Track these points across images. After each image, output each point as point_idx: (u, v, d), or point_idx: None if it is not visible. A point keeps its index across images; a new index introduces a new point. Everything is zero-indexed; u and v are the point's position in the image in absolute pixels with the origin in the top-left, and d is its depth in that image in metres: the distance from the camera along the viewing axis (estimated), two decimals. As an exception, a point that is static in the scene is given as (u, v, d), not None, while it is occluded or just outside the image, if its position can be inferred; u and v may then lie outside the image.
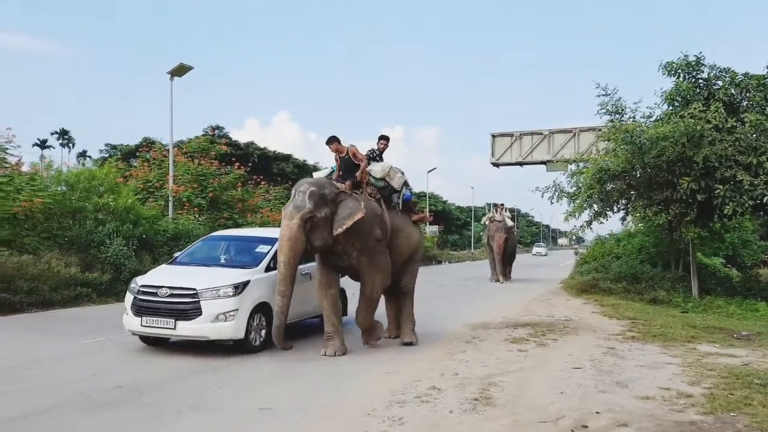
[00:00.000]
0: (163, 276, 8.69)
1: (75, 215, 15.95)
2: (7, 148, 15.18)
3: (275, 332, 8.07)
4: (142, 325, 8.14)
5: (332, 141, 8.95)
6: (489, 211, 27.36)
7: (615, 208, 16.80)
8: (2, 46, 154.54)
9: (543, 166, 31.73)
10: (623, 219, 17.77)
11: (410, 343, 9.29)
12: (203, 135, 26.94)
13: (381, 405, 6.02)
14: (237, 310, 8.03)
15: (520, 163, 32.08)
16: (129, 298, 8.44)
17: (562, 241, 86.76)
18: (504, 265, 24.63)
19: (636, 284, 17.61)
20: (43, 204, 14.45)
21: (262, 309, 8.44)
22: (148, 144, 31.84)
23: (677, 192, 14.83)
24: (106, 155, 49.36)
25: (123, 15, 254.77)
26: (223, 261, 9.39)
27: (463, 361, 8.19)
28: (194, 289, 8.02)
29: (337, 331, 8.48)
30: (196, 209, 20.49)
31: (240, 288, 8.15)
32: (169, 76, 19.11)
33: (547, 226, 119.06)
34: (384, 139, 9.54)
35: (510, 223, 25.81)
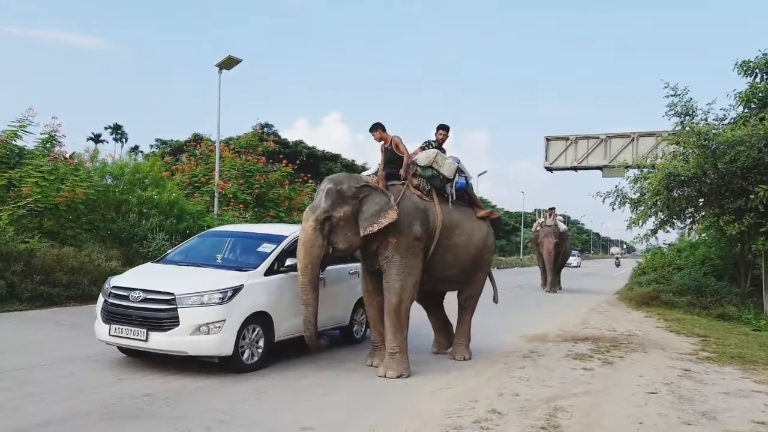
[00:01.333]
0: (140, 276, 7.51)
1: (119, 208, 15.68)
2: (53, 138, 14.96)
3: (308, 341, 7.29)
4: (110, 334, 6.89)
5: (376, 128, 8.15)
6: (539, 216, 25.91)
7: (682, 217, 15.69)
8: (58, 43, 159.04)
9: (598, 172, 30.69)
10: (689, 228, 16.61)
11: (463, 359, 8.52)
12: (252, 132, 26.53)
13: (436, 429, 5.31)
14: (224, 321, 6.71)
15: (575, 168, 30.94)
16: (100, 300, 7.26)
17: (614, 249, 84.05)
18: (555, 273, 23.21)
19: (701, 298, 16.44)
20: (86, 195, 14.15)
21: (258, 320, 7.15)
22: (197, 140, 31.79)
23: (752, 201, 13.69)
24: (156, 150, 49.90)
25: (178, 12, 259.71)
26: (219, 261, 8.14)
27: (523, 379, 7.41)
28: (171, 294, 6.72)
29: (381, 343, 7.74)
30: (241, 205, 20.07)
31: (229, 294, 6.85)
32: (218, 68, 18.74)
33: (597, 235, 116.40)
34: (443, 129, 8.58)
35: (562, 227, 24.42)
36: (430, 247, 7.79)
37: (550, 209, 25.41)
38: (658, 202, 14.61)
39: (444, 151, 8.32)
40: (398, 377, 7.22)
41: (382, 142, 8.17)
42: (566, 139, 31.10)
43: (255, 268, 7.45)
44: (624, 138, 30.07)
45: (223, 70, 18.99)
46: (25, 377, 6.48)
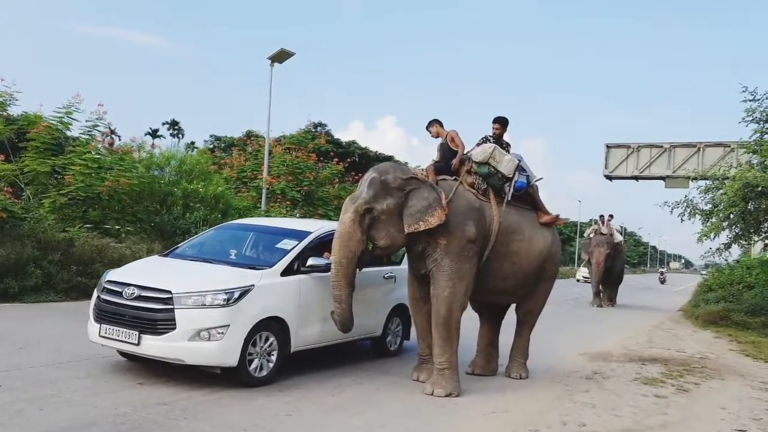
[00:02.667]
0: (138, 270, 6.70)
1: (164, 200, 15.31)
2: (97, 125, 14.65)
3: (338, 317, 6.54)
4: (100, 335, 6.07)
5: (433, 123, 7.40)
6: (594, 224, 23.90)
7: (759, 231, 14.45)
8: (119, 40, 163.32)
9: (660, 183, 29.30)
10: (766, 244, 15.31)
11: (519, 378, 7.68)
12: (303, 128, 26.05)
13: (489, 465, 4.53)
14: (228, 326, 5.83)
15: (636, 177, 29.58)
16: (93, 296, 6.50)
17: (674, 264, 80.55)
18: (609, 287, 21.48)
19: (775, 320, 15.14)
20: (130, 186, 13.79)
21: (271, 327, 6.27)
22: (250, 136, 31.55)
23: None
24: (211, 146, 50.15)
25: (236, 10, 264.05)
26: (233, 257, 7.13)
27: (588, 405, 6.53)
28: (168, 292, 5.85)
29: (430, 355, 6.98)
30: (289, 202, 19.53)
31: (236, 295, 5.95)
32: (269, 61, 18.26)
33: (654, 248, 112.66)
34: (499, 122, 7.62)
35: (618, 237, 22.17)
36: (485, 252, 6.97)
37: (603, 216, 22.86)
38: (732, 215, 13.42)
39: (505, 147, 7.47)
40: (447, 396, 6.43)
41: (438, 138, 7.44)
42: (628, 147, 29.79)
43: (271, 266, 6.57)
44: (689, 148, 28.61)
45: (275, 64, 18.52)
46: (38, 376, 5.93)
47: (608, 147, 29.90)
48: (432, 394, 6.46)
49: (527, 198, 7.55)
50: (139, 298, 5.94)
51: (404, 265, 8.17)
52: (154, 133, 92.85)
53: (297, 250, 6.80)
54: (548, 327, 7.94)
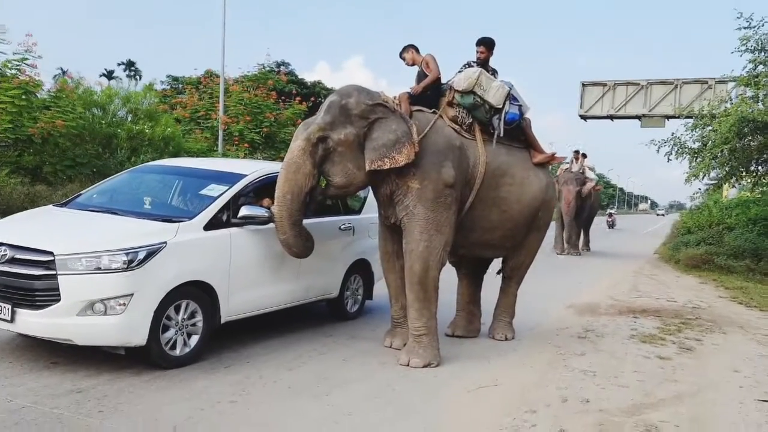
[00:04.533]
0: (18, 225, 5.43)
1: (107, 143, 13.92)
2: (26, 58, 13.01)
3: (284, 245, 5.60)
4: None
5: (407, 49, 6.23)
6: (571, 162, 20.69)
7: (750, 169, 13.63)
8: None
9: (636, 122, 28.49)
10: (754, 183, 14.54)
11: (504, 339, 6.76)
12: (265, 67, 24.33)
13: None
14: (131, 295, 4.59)
15: (611, 117, 28.68)
16: None
17: (642, 206, 79.61)
18: (579, 231, 18.92)
19: (760, 263, 14.53)
20: (66, 127, 12.36)
21: (192, 294, 5.07)
22: (210, 76, 29.71)
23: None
24: (168, 87, 47.68)
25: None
26: (147, 207, 5.83)
27: (588, 373, 5.63)
28: (50, 254, 4.56)
29: (404, 317, 5.99)
30: (248, 145, 18.16)
31: (140, 256, 4.66)
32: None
33: (622, 190, 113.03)
34: (484, 44, 6.38)
35: (591, 175, 19.17)
36: (468, 199, 5.93)
37: (578, 151, 19.93)
38: (725, 151, 12.53)
39: (491, 74, 6.31)
40: (426, 366, 5.48)
41: (415, 66, 6.27)
42: (604, 84, 28.74)
43: (190, 219, 5.25)
44: (666, 85, 27.67)
45: None
46: None
47: (584, 85, 28.85)
48: (408, 365, 5.48)
49: (519, 134, 6.46)
50: (13, 261, 4.65)
51: (364, 214, 7.12)
52: (109, 75, 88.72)
53: (226, 198, 5.51)
54: (527, 277, 6.95)
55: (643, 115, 27.43)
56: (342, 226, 6.90)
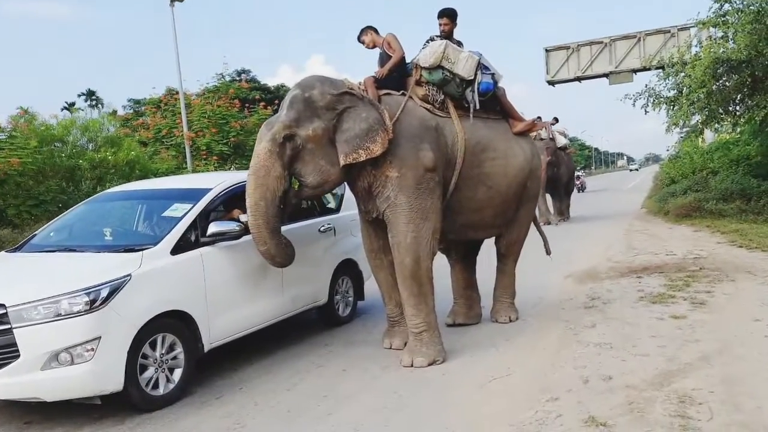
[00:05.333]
0: None
1: (71, 176, 13.36)
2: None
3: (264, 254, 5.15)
4: None
5: (366, 31, 5.80)
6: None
7: (731, 109, 13.33)
8: (30, 14, 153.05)
9: (604, 81, 28.31)
10: (734, 123, 14.26)
11: (508, 321, 6.39)
12: (224, 77, 23.69)
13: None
14: (98, 338, 4.10)
15: (579, 78, 28.56)
16: None
17: (620, 162, 78.65)
18: (558, 199, 18.00)
19: (749, 203, 14.33)
20: (22, 165, 11.80)
21: (169, 326, 4.60)
22: (172, 94, 29.06)
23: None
24: (130, 111, 46.68)
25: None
26: (108, 237, 5.33)
27: (604, 346, 5.28)
28: (2, 306, 4.05)
29: (401, 315, 5.60)
30: (216, 158, 17.62)
31: (103, 294, 4.19)
32: (169, 1, 16.15)
33: (597, 150, 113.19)
34: (447, 15, 5.90)
35: (562, 140, 18.06)
36: (451, 181, 5.53)
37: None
38: (702, 95, 12.22)
39: (457, 44, 5.89)
40: (431, 364, 5.10)
41: (376, 49, 5.85)
42: (567, 48, 28.56)
43: (155, 243, 4.78)
44: (629, 39, 27.55)
45: (176, 3, 16.41)
46: None
47: (547, 51, 28.70)
48: (412, 366, 5.11)
49: (495, 104, 6.06)
50: None
51: (344, 212, 6.72)
52: (70, 107, 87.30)
53: (191, 217, 5.03)
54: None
55: (611, 73, 27.30)
56: (321, 228, 6.48)
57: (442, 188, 5.45)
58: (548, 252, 7.17)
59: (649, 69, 24.68)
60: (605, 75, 27.64)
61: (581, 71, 27.77)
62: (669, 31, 26.20)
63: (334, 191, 6.58)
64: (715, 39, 12.66)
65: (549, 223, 16.24)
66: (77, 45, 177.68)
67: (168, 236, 4.88)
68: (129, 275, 4.42)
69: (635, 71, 26.97)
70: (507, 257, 6.46)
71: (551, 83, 28.55)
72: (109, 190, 6.68)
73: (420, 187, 5.20)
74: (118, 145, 14.57)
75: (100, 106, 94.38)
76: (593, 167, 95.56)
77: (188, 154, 16.96)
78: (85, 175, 13.29)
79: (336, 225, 6.67)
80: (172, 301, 4.68)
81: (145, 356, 4.48)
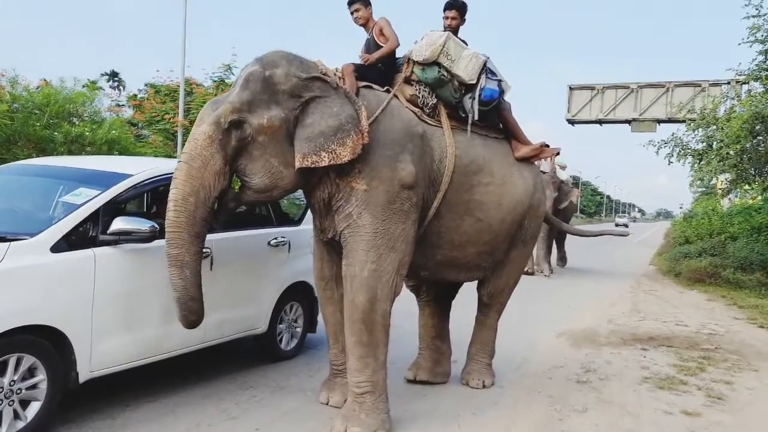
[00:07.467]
0: None
1: (42, 147, 12.30)
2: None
3: (182, 317, 3.86)
4: None
5: (356, 3, 4.70)
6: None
7: (764, 171, 12.18)
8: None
9: (626, 126, 27.23)
10: (765, 189, 13.10)
11: (481, 386, 5.22)
12: (231, 68, 22.68)
13: None
14: None
15: (600, 121, 27.47)
16: None
17: (619, 220, 74.85)
18: (557, 242, 15.80)
19: (769, 276, 13.15)
20: (-10, 128, 10.77)
21: (25, 344, 3.50)
22: (188, 83, 27.97)
23: None
24: (145, 96, 45.73)
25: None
26: None
27: (594, 444, 4.12)
28: None
29: (346, 363, 4.43)
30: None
31: None
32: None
33: (609, 197, 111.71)
34: (454, 8, 4.82)
35: (563, 175, 15.68)
36: (432, 204, 4.41)
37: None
38: (733, 152, 11.07)
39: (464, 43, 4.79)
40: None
41: (364, 26, 4.75)
42: (592, 88, 27.52)
43: (33, 234, 3.68)
44: (657, 88, 26.49)
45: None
46: None
47: (571, 89, 27.68)
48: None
49: (496, 119, 4.95)
50: None
51: (306, 225, 5.57)
52: (91, 84, 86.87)
53: (91, 207, 3.94)
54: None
55: (634, 119, 26.24)
56: (273, 241, 5.35)
57: (420, 212, 4.32)
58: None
59: (674, 122, 23.71)
60: (628, 121, 26.62)
61: (604, 114, 26.79)
62: (700, 85, 25.15)
63: (296, 198, 5.50)
64: (756, 93, 11.55)
65: (533, 274, 13.76)
66: (107, 26, 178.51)
67: (52, 228, 3.75)
68: (-12, 272, 3.31)
69: (659, 122, 25.94)
70: (490, 308, 5.28)
71: (571, 122, 27.50)
72: (21, 162, 5.59)
73: (392, 207, 4.07)
74: (100, 123, 13.50)
75: (121, 87, 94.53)
76: (603, 215, 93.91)
77: (179, 142, 15.93)
78: (57, 149, 12.21)
79: (292, 239, 5.55)
80: (38, 312, 3.55)
81: (-2, 376, 3.36)
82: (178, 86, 21.71)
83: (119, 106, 17.01)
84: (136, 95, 17.52)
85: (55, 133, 12.48)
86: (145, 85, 43.17)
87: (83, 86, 15.83)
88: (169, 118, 15.85)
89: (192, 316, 3.87)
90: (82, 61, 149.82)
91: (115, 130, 13.26)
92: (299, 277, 5.58)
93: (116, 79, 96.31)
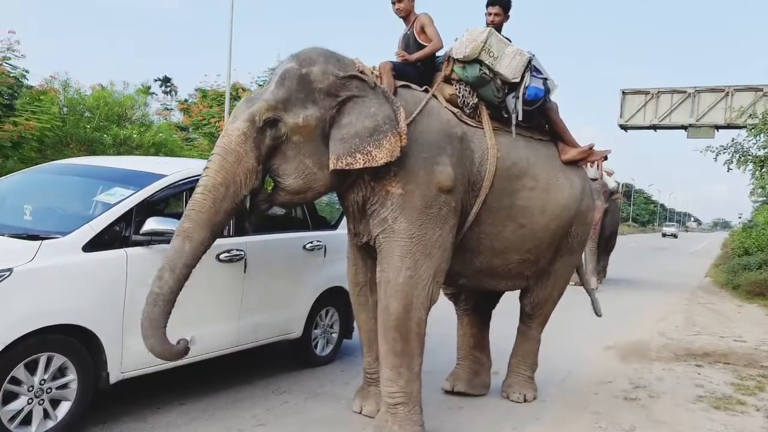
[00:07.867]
0: None
1: (92, 149, 12.56)
2: (7, 57, 11.76)
3: (147, 344, 3.42)
4: None
5: None
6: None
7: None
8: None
9: (682, 132, 26.39)
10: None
11: (523, 401, 4.99)
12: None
13: None
14: None
15: (654, 127, 26.62)
16: None
17: (666, 229, 71.41)
18: (600, 254, 13.94)
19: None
20: (40, 129, 10.99)
21: (56, 344, 3.45)
22: (237, 89, 28.32)
23: None
24: (195, 101, 46.74)
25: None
26: (28, 217, 4.18)
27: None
28: None
29: (379, 371, 4.26)
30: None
31: None
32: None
33: (663, 206, 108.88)
34: (498, 4, 4.61)
35: (612, 183, 14.27)
36: (472, 209, 4.22)
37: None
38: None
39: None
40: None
41: (405, 19, 4.58)
42: (646, 93, 26.77)
43: (64, 234, 3.62)
44: (716, 93, 25.51)
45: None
46: None
47: (624, 93, 26.97)
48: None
49: (542, 120, 4.74)
50: None
51: (343, 229, 5.40)
52: (146, 91, 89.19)
53: (125, 206, 3.87)
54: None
55: (691, 125, 25.37)
56: (308, 245, 5.25)
57: (459, 218, 4.14)
58: (598, 313, 5.72)
59: (734, 127, 22.89)
60: (684, 127, 25.71)
61: (658, 119, 25.95)
62: (761, 89, 24.22)
63: (334, 202, 5.37)
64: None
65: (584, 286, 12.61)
66: (160, 33, 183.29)
67: (84, 227, 3.71)
68: (9, 270, 3.29)
69: (718, 127, 25.04)
70: (532, 319, 5.05)
71: (624, 128, 26.77)
72: (60, 161, 5.61)
73: (429, 211, 3.91)
74: (148, 125, 13.75)
75: (173, 93, 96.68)
76: (657, 223, 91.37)
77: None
78: (106, 150, 12.46)
79: (329, 244, 5.43)
80: (69, 312, 3.52)
81: (15, 381, 3.32)
82: (224, 91, 22.08)
83: (168, 110, 17.22)
84: (186, 100, 17.90)
85: (105, 136, 12.73)
86: (195, 90, 44.03)
87: (136, 91, 16.12)
88: (215, 122, 15.98)
89: (151, 340, 3.43)
90: (136, 65, 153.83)
91: (162, 133, 13.44)
92: (335, 282, 5.45)
93: (169, 84, 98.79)
